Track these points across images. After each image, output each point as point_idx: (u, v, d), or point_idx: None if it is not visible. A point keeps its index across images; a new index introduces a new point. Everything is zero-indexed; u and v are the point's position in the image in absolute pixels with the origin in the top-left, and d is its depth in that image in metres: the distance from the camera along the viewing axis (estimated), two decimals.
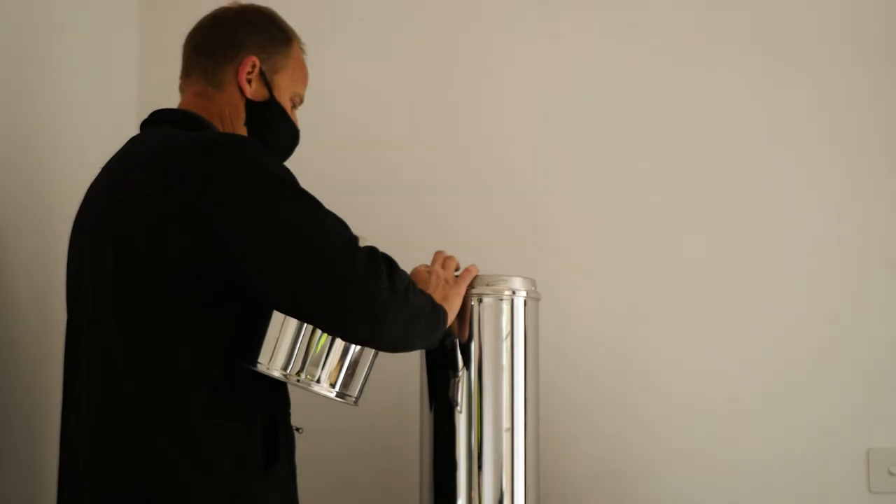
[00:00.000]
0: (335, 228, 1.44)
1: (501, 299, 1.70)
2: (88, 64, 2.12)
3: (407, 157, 2.37)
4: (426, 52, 2.40)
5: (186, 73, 1.63)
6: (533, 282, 1.76)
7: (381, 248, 2.38)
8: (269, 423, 1.46)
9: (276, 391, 1.50)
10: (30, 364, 1.82)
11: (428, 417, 1.72)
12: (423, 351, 1.74)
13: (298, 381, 1.47)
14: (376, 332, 1.43)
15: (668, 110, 2.33)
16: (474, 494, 1.65)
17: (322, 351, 1.48)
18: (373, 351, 1.53)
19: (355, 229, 2.38)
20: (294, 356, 1.46)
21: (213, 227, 1.38)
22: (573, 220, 2.31)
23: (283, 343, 1.46)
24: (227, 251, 1.38)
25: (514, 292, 1.71)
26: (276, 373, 1.46)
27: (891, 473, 2.19)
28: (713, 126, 2.32)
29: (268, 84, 1.61)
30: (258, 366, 1.45)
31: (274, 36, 1.64)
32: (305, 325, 1.47)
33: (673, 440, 2.24)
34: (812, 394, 2.22)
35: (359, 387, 1.54)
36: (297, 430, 1.54)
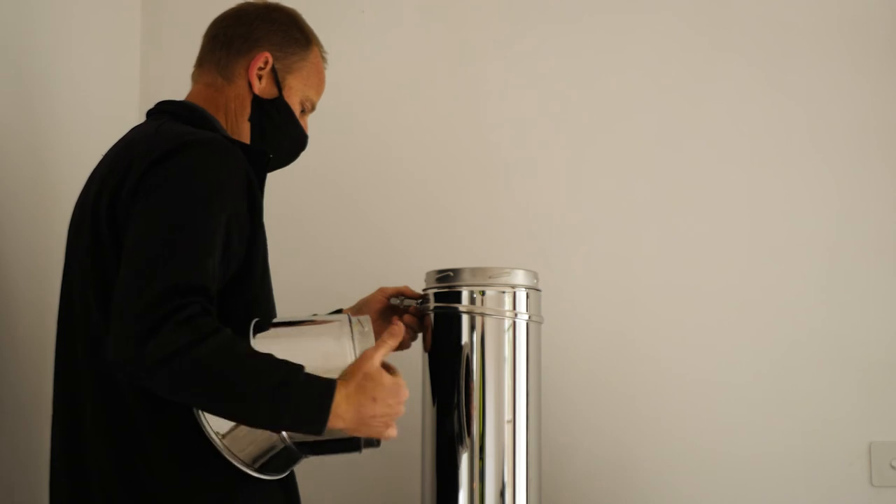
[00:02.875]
0: (168, 263, 1.31)
1: (504, 292, 1.70)
2: (90, 57, 2.12)
3: (409, 151, 2.37)
4: (429, 47, 2.40)
5: (200, 63, 1.63)
6: (535, 275, 1.76)
7: (384, 244, 2.39)
8: None
9: None
10: (29, 361, 1.83)
11: (430, 409, 1.72)
12: (425, 343, 1.75)
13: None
14: (116, 365, 1.29)
15: (669, 107, 2.33)
16: (476, 486, 1.66)
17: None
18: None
19: (358, 225, 2.40)
20: None
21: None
22: (576, 214, 2.31)
23: None
24: None
25: (515, 285, 1.71)
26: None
27: (892, 467, 2.19)
28: (714, 121, 2.32)
29: (278, 83, 1.60)
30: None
31: (293, 37, 1.63)
32: None
33: (674, 433, 2.24)
34: (814, 388, 2.23)
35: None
36: None
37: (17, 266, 1.80)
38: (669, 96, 2.33)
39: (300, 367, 1.33)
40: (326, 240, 2.33)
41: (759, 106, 2.32)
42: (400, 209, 2.33)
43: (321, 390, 1.34)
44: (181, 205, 1.35)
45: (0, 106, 1.76)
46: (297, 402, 1.32)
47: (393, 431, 1.40)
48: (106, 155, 1.53)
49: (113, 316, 1.29)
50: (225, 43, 1.60)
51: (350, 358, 1.41)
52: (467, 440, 1.66)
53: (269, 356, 1.33)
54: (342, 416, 1.34)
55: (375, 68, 2.39)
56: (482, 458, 1.66)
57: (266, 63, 1.59)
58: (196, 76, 1.63)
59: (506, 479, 1.67)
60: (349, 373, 1.38)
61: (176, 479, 1.38)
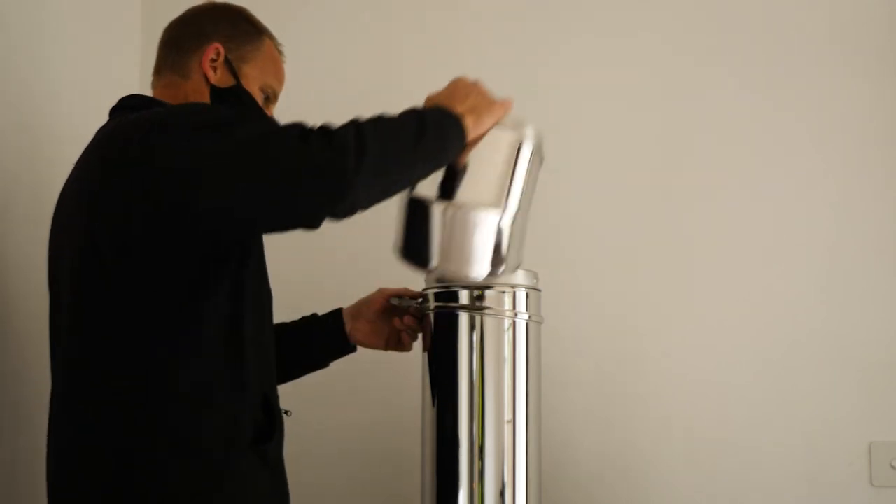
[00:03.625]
0: (245, 122, 1.36)
1: (503, 292, 1.70)
2: (90, 57, 2.12)
3: None
4: (429, 46, 2.40)
5: (157, 71, 1.65)
6: (535, 275, 1.76)
7: (382, 245, 2.40)
8: (263, 403, 1.46)
9: (266, 371, 1.50)
10: (29, 360, 1.83)
11: (430, 409, 1.72)
12: (425, 343, 1.74)
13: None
14: (334, 203, 1.31)
15: (670, 107, 2.33)
16: (475, 486, 1.66)
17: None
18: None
19: (358, 225, 2.40)
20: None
21: (154, 189, 1.34)
22: (576, 213, 2.32)
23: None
24: (172, 203, 1.34)
25: (515, 285, 1.71)
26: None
27: (892, 467, 2.19)
28: (714, 121, 2.32)
29: (234, 72, 1.61)
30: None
31: (243, 28, 1.65)
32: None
33: (674, 433, 2.24)
34: (814, 388, 2.23)
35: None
36: (286, 412, 1.54)
37: (15, 266, 1.80)
38: (670, 95, 2.33)
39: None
40: (327, 240, 2.32)
41: (759, 106, 2.32)
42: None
43: (432, 106, 1.45)
44: (207, 118, 1.37)
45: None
46: (435, 118, 1.42)
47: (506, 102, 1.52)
48: (77, 164, 1.53)
49: (266, 200, 1.29)
50: (175, 45, 1.63)
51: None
52: (467, 440, 1.66)
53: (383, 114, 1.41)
54: (458, 107, 1.46)
55: (375, 68, 2.39)
56: (482, 458, 1.66)
57: (218, 54, 1.60)
58: (154, 83, 1.65)
59: (506, 479, 1.66)
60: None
61: (165, 470, 1.36)
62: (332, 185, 1.29)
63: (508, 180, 1.51)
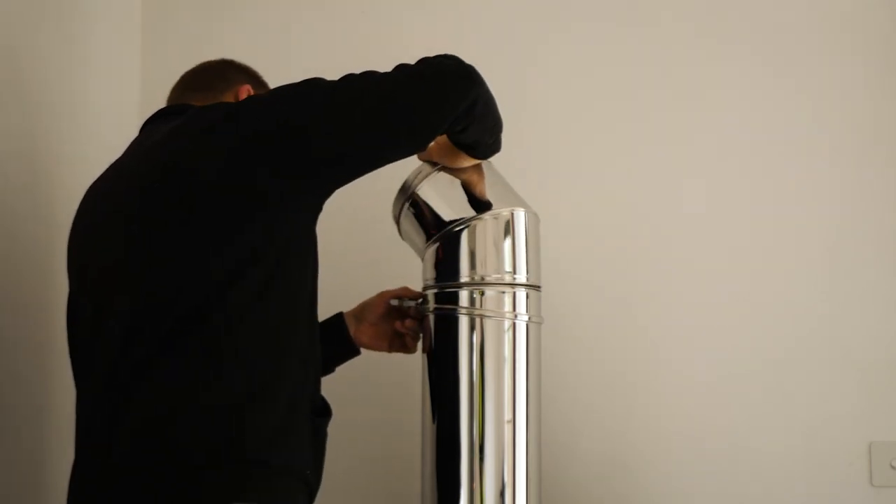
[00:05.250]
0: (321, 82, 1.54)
1: (503, 292, 1.70)
2: (90, 57, 2.13)
3: None
4: (429, 47, 2.40)
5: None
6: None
7: (376, 245, 2.40)
8: (317, 386, 1.57)
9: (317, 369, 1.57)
10: (29, 365, 1.83)
11: (430, 409, 1.72)
12: (424, 344, 1.75)
13: None
14: (468, 89, 1.55)
15: (670, 107, 2.33)
16: (476, 486, 1.66)
17: None
18: None
19: (350, 229, 2.41)
20: None
21: (255, 158, 1.39)
22: (575, 213, 2.32)
23: None
24: (278, 172, 1.42)
25: (515, 286, 1.71)
26: None
27: (893, 467, 2.19)
28: (715, 121, 2.32)
29: None
30: None
31: (255, 79, 1.75)
32: None
33: (674, 433, 2.24)
34: (814, 388, 2.23)
35: None
36: None
37: (13, 270, 1.80)
38: (671, 96, 2.33)
39: None
40: (328, 242, 2.33)
41: (759, 106, 2.32)
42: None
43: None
44: (260, 97, 1.49)
45: None
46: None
47: None
48: (121, 165, 1.52)
49: (380, 150, 1.53)
50: (205, 87, 1.68)
51: None
52: (467, 440, 1.66)
53: None
54: None
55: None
56: (482, 458, 1.66)
57: (249, 94, 1.67)
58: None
59: (506, 479, 1.66)
60: None
61: (252, 423, 1.40)
62: (463, 77, 1.55)
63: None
